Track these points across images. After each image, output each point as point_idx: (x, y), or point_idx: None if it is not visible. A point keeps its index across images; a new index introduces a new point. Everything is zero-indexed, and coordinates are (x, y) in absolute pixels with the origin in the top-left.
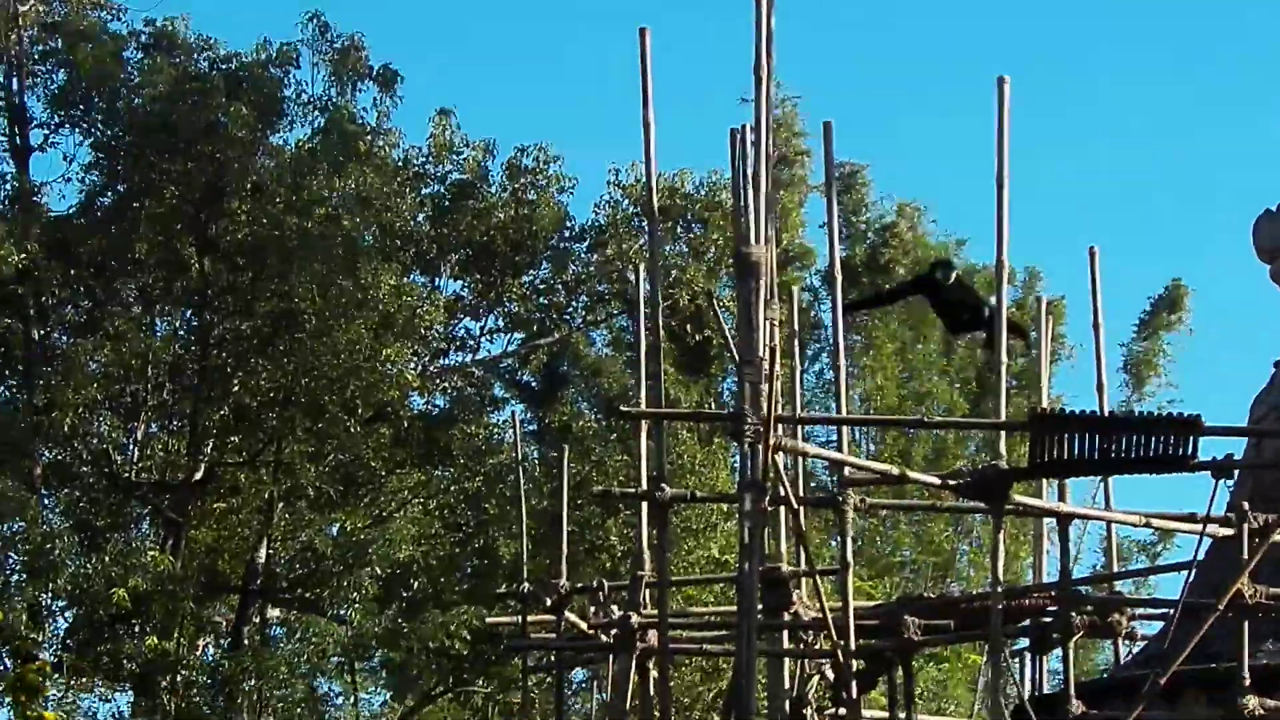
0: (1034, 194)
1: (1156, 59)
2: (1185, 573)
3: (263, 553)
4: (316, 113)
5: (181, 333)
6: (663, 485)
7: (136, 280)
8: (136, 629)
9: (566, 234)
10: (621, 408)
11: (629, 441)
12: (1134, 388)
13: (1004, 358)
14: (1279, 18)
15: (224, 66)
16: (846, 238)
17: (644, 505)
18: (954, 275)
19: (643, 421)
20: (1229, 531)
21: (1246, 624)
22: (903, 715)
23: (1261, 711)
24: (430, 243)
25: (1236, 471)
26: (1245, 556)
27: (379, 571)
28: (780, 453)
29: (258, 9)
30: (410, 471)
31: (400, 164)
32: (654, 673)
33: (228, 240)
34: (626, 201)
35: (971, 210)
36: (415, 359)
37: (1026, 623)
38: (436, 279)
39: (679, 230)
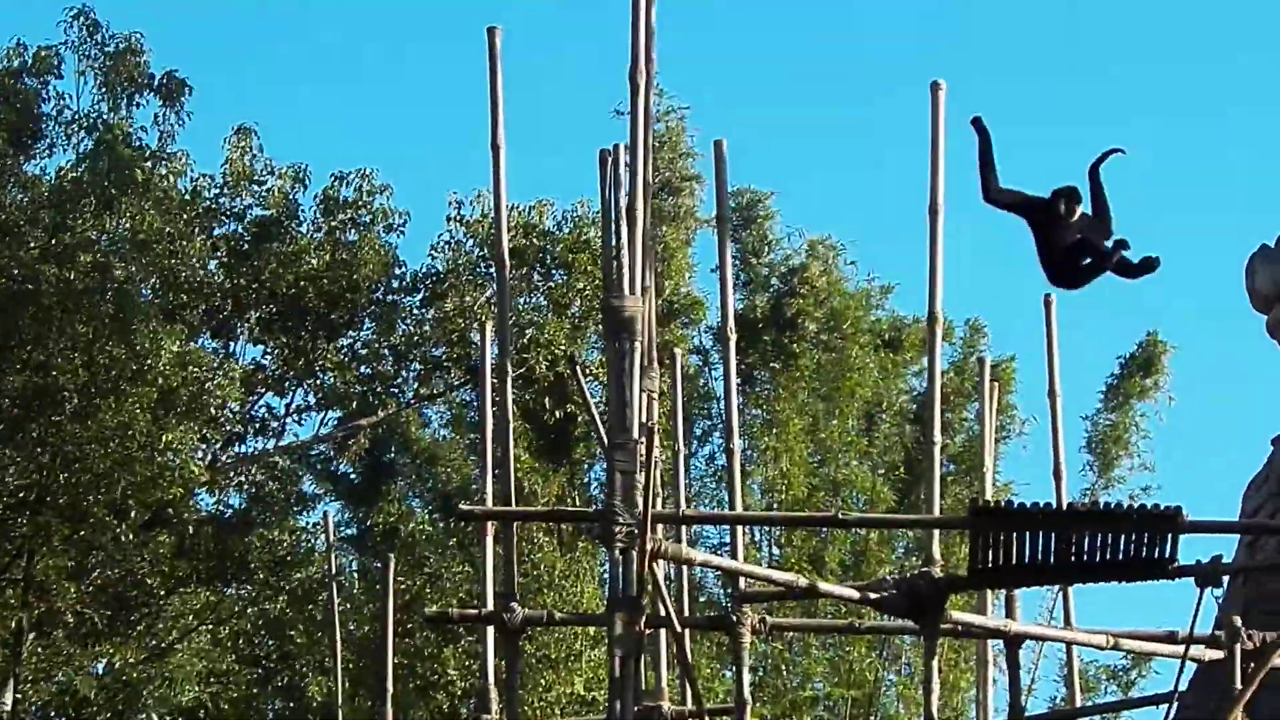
0: (977, 229)
1: (1118, 74)
2: (1165, 706)
3: (9, 697)
4: (83, 133)
5: None
6: (513, 604)
7: None
8: None
9: (395, 284)
10: (462, 506)
11: (472, 549)
12: (1100, 472)
13: (938, 437)
14: (1254, 46)
15: None
16: (745, 284)
17: (489, 630)
18: (1079, 211)
19: (488, 523)
20: (1218, 654)
21: None
22: None
23: None
24: (224, 297)
25: (1226, 579)
26: (1239, 685)
27: (157, 719)
28: (660, 560)
29: (8, 4)
30: (196, 590)
31: (188, 197)
32: None
33: None
34: (471, 242)
35: (901, 248)
36: (204, 446)
37: None
38: (231, 343)
39: (536, 278)
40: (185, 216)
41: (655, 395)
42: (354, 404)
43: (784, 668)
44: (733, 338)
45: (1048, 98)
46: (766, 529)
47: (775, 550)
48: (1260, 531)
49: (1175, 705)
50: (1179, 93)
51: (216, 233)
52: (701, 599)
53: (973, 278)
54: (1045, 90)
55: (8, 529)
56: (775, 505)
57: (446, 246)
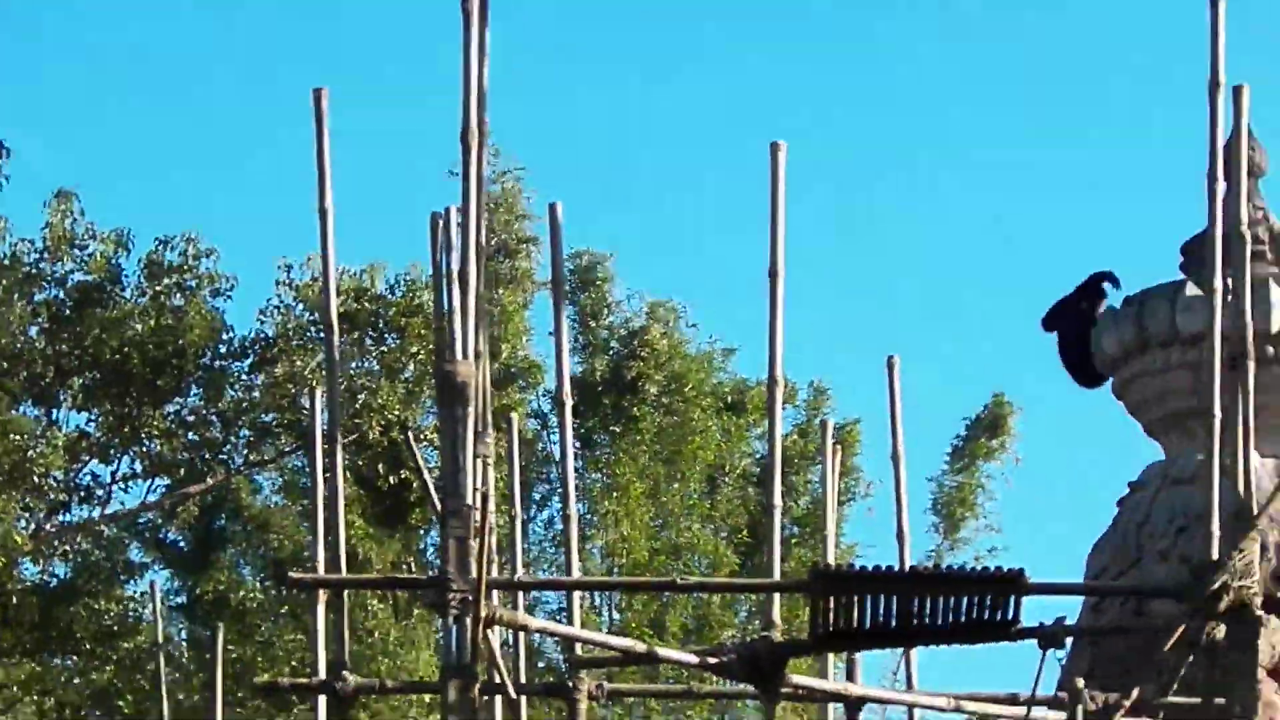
0: (821, 291)
1: (965, 120)
2: None
3: None
4: None
5: None
6: (345, 673)
7: None
8: None
9: (223, 350)
10: (292, 574)
11: (304, 616)
12: (945, 534)
13: (778, 501)
14: (1101, 91)
15: None
16: (584, 347)
17: (321, 699)
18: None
19: (320, 591)
20: (1060, 716)
21: None
22: None
23: None
24: (46, 364)
25: (1070, 641)
26: None
27: None
28: (495, 627)
29: None
30: (21, 662)
31: (6, 262)
32: None
33: None
34: (301, 307)
35: (743, 311)
36: (27, 515)
37: None
38: (54, 411)
39: (368, 343)
40: (4, 282)
41: (490, 460)
42: (182, 471)
43: None
44: (569, 402)
45: (889, 156)
46: (607, 593)
47: (616, 615)
48: (1103, 594)
49: None
50: (1026, 144)
51: (37, 298)
52: (540, 664)
53: (818, 339)
54: (887, 149)
55: None
56: (616, 570)
57: (276, 311)
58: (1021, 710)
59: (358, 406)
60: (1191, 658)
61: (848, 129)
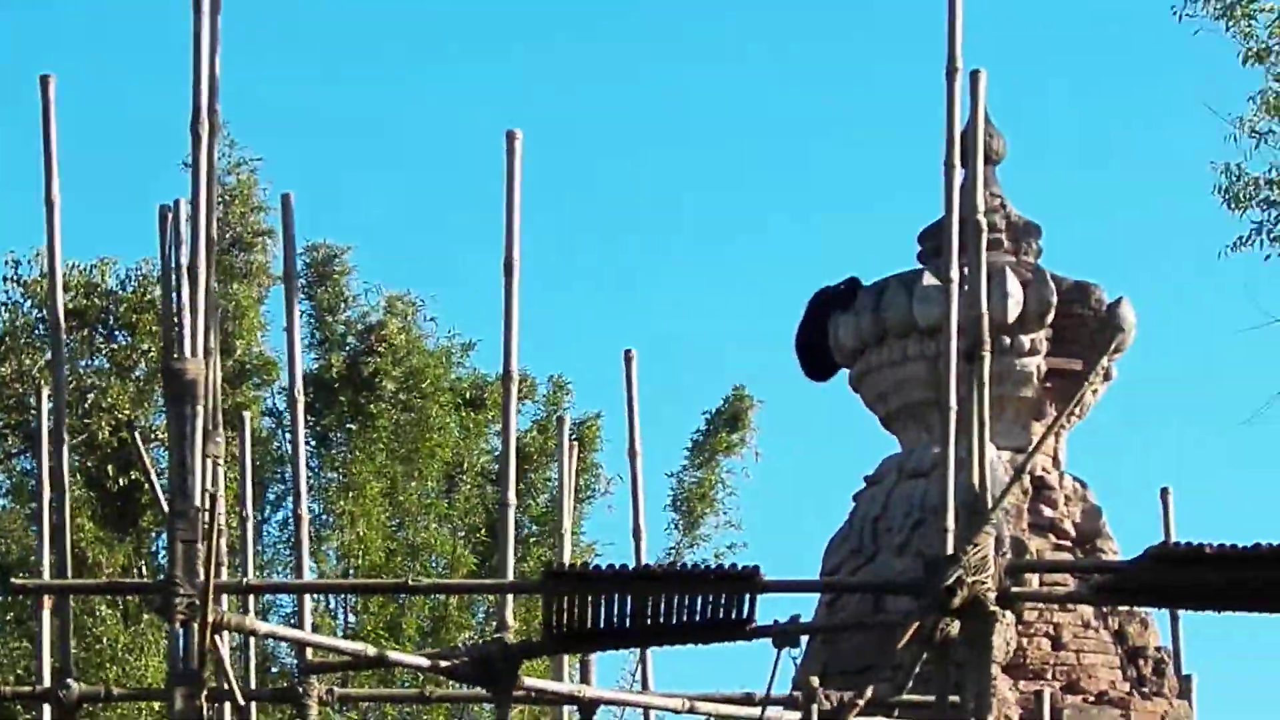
0: (561, 285)
1: (704, 110)
2: None
3: None
4: None
5: None
6: (69, 680)
7: None
8: None
9: None
10: (14, 579)
11: (30, 623)
12: (685, 530)
13: (511, 498)
14: (840, 77)
15: None
16: (320, 343)
17: (45, 707)
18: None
19: (44, 596)
20: (795, 715)
21: None
22: None
23: None
24: None
25: (805, 639)
26: None
27: None
28: (224, 632)
29: None
30: None
31: None
32: None
33: None
34: (29, 303)
35: (484, 305)
36: None
37: None
38: None
39: (99, 340)
40: None
41: (220, 461)
42: None
43: None
44: (301, 399)
45: (628, 147)
46: (343, 596)
47: (352, 618)
48: (838, 590)
49: None
50: (766, 133)
51: None
52: (274, 669)
53: (562, 333)
54: (625, 140)
55: None
56: (352, 571)
57: (2, 308)
58: (757, 710)
59: (87, 406)
60: (926, 654)
61: (586, 119)
